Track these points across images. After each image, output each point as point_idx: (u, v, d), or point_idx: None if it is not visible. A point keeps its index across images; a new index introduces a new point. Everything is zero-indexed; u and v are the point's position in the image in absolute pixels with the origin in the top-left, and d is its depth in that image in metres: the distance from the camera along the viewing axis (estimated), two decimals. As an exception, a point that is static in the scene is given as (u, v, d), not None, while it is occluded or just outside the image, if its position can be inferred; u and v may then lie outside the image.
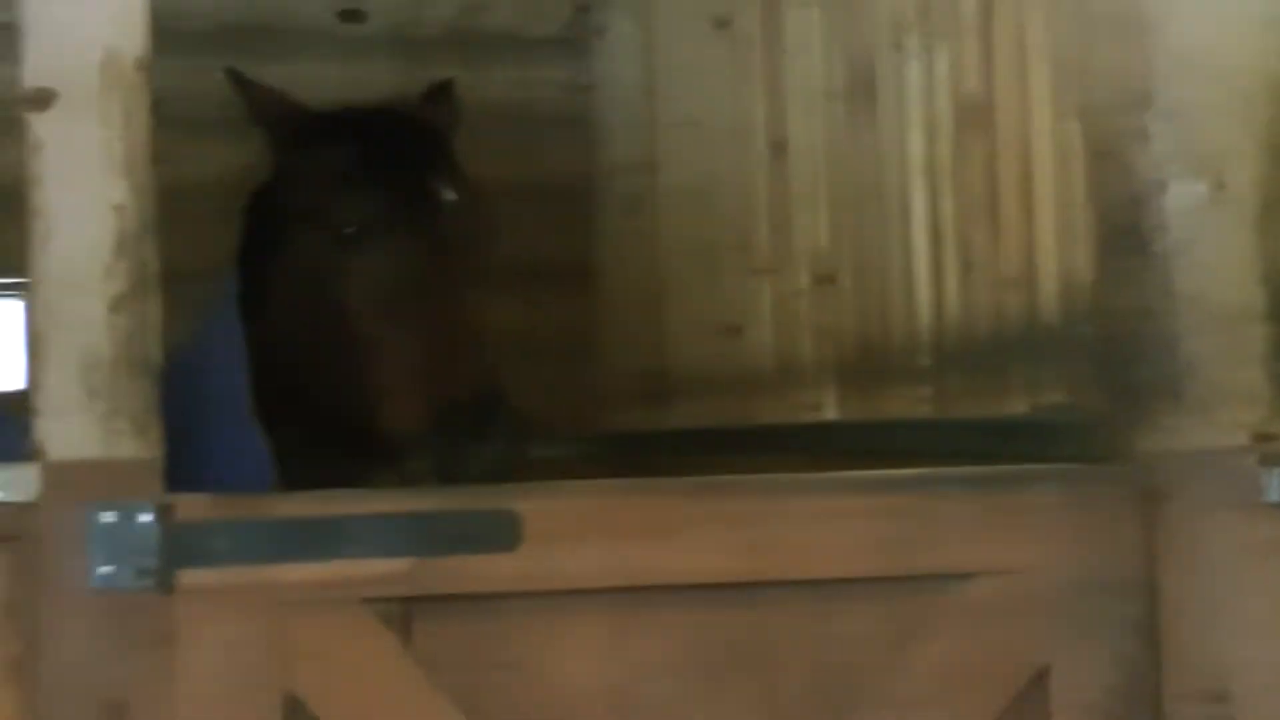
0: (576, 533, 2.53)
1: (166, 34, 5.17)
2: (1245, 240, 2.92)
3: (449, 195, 3.09)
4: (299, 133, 3.23)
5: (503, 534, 2.51)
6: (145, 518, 2.37)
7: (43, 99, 2.38)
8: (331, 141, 3.16)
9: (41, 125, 2.38)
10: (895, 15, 3.91)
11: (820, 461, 4.04)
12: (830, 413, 4.21)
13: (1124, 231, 2.97)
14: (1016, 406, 3.46)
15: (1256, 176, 2.91)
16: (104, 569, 2.36)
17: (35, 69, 2.39)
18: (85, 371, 2.36)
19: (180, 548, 2.39)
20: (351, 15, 5.61)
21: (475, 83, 5.62)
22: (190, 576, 2.40)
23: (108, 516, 2.36)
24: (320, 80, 5.54)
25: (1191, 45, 2.91)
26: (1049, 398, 3.39)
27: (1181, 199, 2.91)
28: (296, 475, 3.17)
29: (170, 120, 5.11)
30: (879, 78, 3.97)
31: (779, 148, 4.49)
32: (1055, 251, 3.39)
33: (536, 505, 2.54)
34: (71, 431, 2.37)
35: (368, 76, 5.57)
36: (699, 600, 2.60)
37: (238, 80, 3.28)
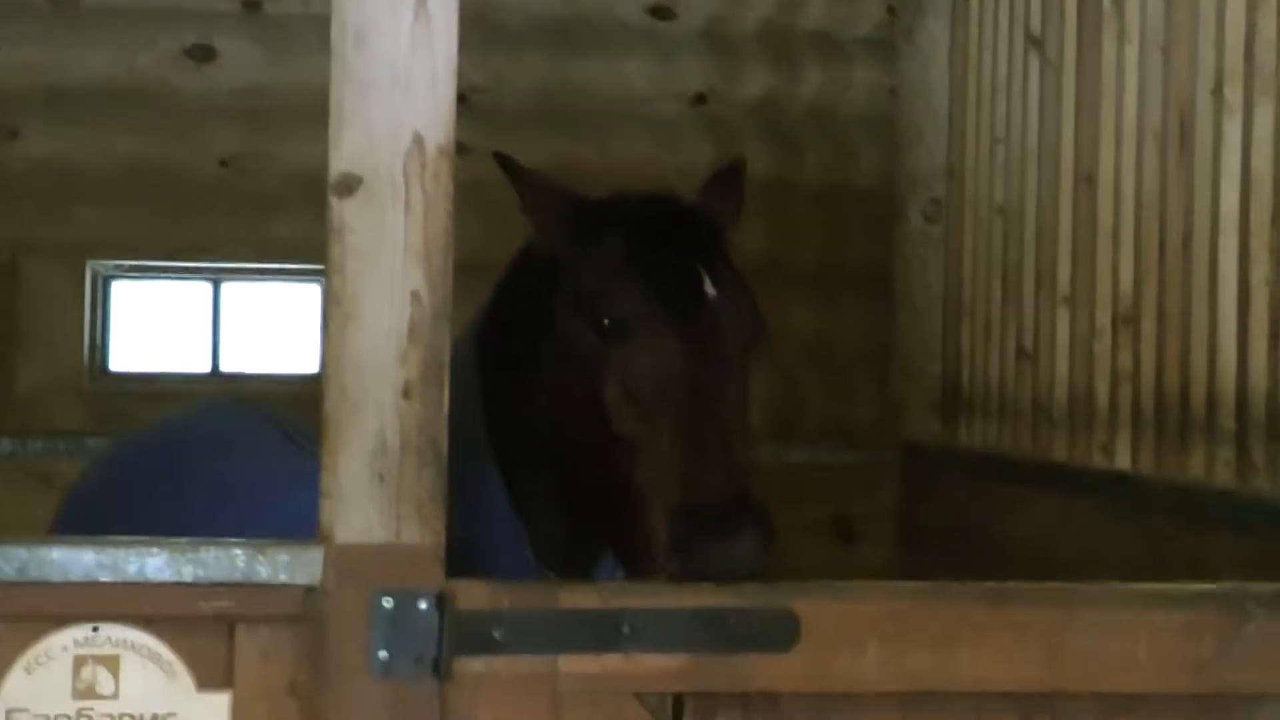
0: (857, 636, 2.50)
1: (482, 26, 5.34)
2: None
3: (712, 291, 3.03)
4: (568, 221, 3.21)
5: (781, 634, 2.49)
6: (425, 605, 2.39)
7: (348, 185, 2.40)
8: (599, 232, 3.14)
9: (345, 211, 2.40)
10: (1219, 64, 3.78)
11: (1117, 514, 3.96)
12: (1122, 457, 4.12)
13: None
14: (1322, 487, 3.35)
15: None
16: (383, 654, 2.38)
17: (342, 155, 2.40)
18: (375, 456, 2.39)
19: (459, 636, 2.40)
20: (661, 12, 5.61)
21: (786, 81, 5.64)
22: (467, 664, 2.41)
23: (388, 602, 2.38)
24: (632, 75, 5.61)
25: None
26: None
27: None
28: (544, 541, 3.19)
29: (482, 111, 5.30)
30: (1196, 124, 3.86)
31: (1088, 179, 4.39)
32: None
33: (816, 606, 2.51)
34: (358, 516, 2.39)
35: (678, 73, 5.61)
36: (989, 707, 2.55)
37: (507, 166, 3.25)
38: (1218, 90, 3.77)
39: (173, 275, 5.58)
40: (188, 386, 5.42)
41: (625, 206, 3.22)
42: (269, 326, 5.61)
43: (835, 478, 5.52)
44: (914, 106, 5.51)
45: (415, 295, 2.41)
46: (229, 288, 5.60)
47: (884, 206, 5.59)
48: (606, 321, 3.01)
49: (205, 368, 5.57)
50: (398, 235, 2.41)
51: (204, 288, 5.59)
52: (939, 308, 5.39)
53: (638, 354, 2.98)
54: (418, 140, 2.42)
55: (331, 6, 2.47)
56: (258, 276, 5.60)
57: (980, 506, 4.79)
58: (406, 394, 2.41)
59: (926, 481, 5.30)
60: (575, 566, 3.17)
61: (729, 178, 3.41)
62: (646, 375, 2.96)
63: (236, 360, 5.58)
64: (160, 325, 5.60)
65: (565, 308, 3.11)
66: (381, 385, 2.41)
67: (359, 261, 2.41)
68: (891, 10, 5.64)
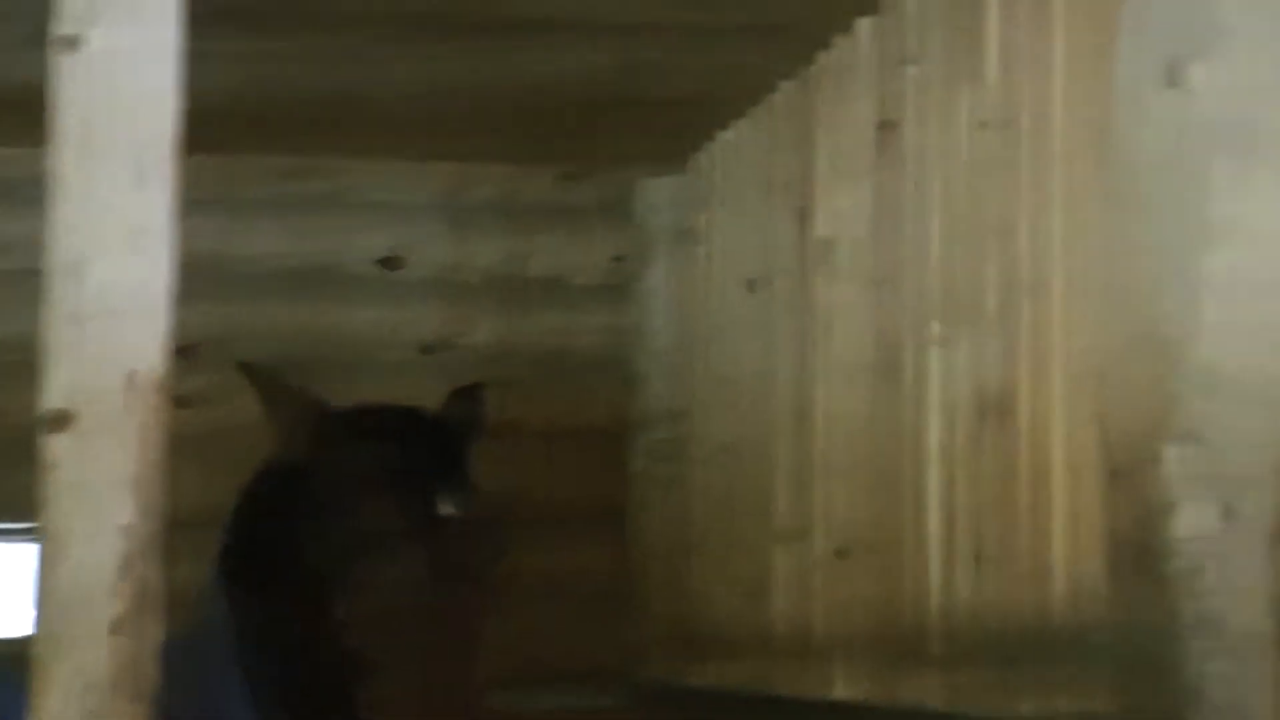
0: None
1: (218, 277, 5.37)
2: (1254, 566, 2.92)
3: (448, 510, 3.08)
4: (312, 432, 3.24)
5: None
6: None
7: (61, 421, 2.42)
8: (342, 444, 3.17)
9: (57, 446, 2.42)
10: (920, 298, 3.95)
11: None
12: (840, 688, 4.21)
13: (1135, 550, 2.97)
14: (1024, 707, 3.45)
15: (1267, 503, 2.92)
16: None
17: (55, 391, 2.43)
18: (82, 695, 2.38)
19: None
20: (391, 262, 5.71)
21: (516, 328, 5.74)
22: None
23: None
24: (363, 324, 5.68)
25: (1210, 369, 2.92)
26: (1058, 702, 3.38)
27: (1192, 523, 2.91)
28: None
29: (213, 362, 5.31)
30: (902, 359, 4.01)
31: (802, 415, 4.52)
32: (1067, 555, 3.39)
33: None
34: (67, 754, 2.38)
35: (407, 322, 5.69)
36: None
37: (250, 374, 3.29)
38: (921, 325, 3.93)
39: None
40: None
41: (369, 417, 3.26)
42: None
43: (572, 722, 5.53)
44: (642, 349, 5.64)
45: (127, 528, 2.43)
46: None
47: (615, 447, 5.69)
48: (345, 538, 3.03)
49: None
50: (110, 468, 2.44)
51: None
52: (669, 547, 5.47)
53: (375, 573, 3.01)
54: (131, 374, 2.46)
55: (46, 246, 2.51)
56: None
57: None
58: (116, 629, 2.41)
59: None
60: None
61: (469, 396, 3.47)
62: (382, 596, 2.99)
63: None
64: None
65: (307, 520, 3.13)
66: (90, 622, 2.41)
67: (71, 497, 2.42)
68: (618, 258, 5.79)
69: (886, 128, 4.21)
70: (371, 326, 5.70)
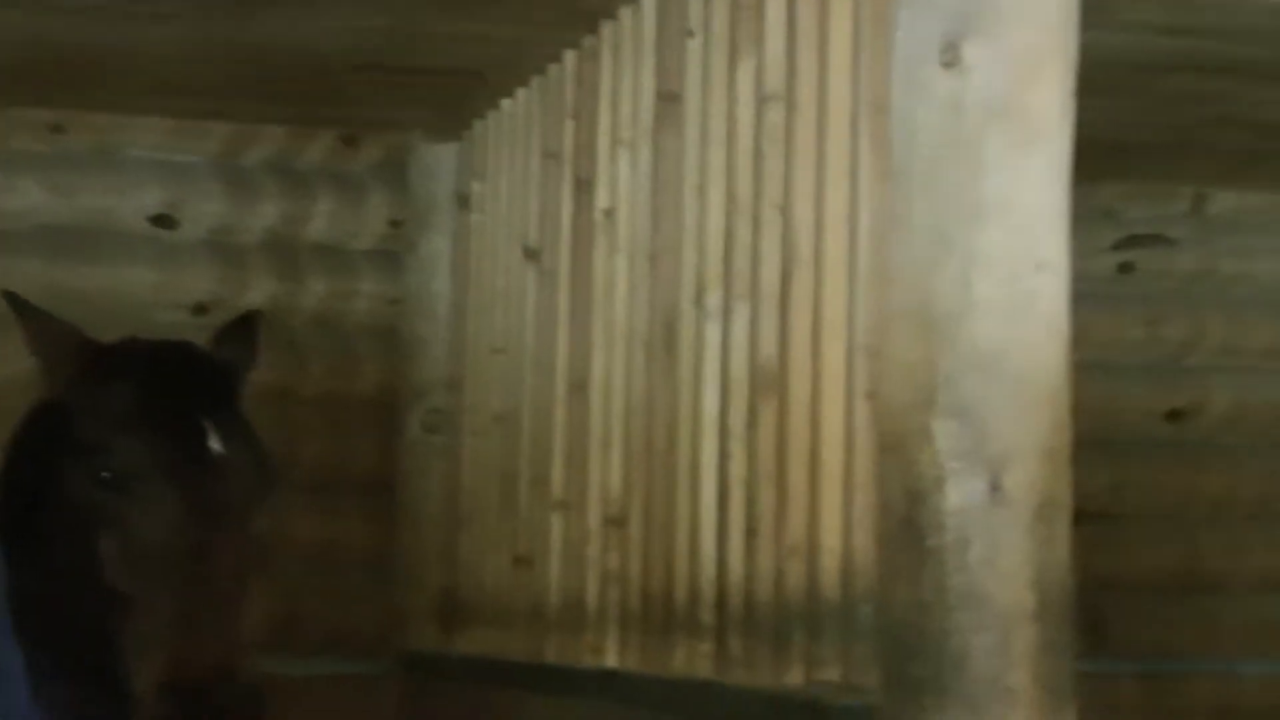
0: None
1: None
2: (1019, 541, 2.96)
3: (218, 447, 3.03)
4: (76, 367, 3.18)
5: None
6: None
7: None
8: (105, 380, 3.10)
9: None
10: (699, 271, 3.96)
11: (605, 711, 4.04)
12: (612, 657, 4.21)
13: (904, 524, 3.00)
14: (794, 677, 3.48)
15: (1032, 479, 2.96)
16: None
17: None
18: None
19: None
20: (164, 220, 5.62)
21: (290, 292, 5.67)
22: None
23: None
24: (134, 283, 5.58)
25: (980, 346, 2.95)
26: (826, 673, 3.41)
27: (959, 497, 2.95)
28: (53, 702, 3.10)
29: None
30: (680, 330, 4.02)
31: (579, 386, 4.52)
32: (838, 529, 3.43)
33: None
34: None
35: (180, 282, 5.60)
36: None
37: (16, 306, 3.22)
38: (699, 297, 3.93)
39: None
40: None
41: (136, 353, 3.20)
42: None
43: (333, 689, 5.49)
44: (416, 317, 5.60)
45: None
46: None
47: (386, 415, 5.65)
48: (106, 474, 2.97)
49: None
50: None
51: None
52: (440, 516, 5.45)
53: (134, 509, 2.95)
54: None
55: None
56: None
57: (478, 712, 4.82)
58: None
59: (425, 690, 5.31)
60: None
61: (244, 327, 3.42)
62: (141, 532, 2.94)
63: None
64: None
65: (70, 458, 3.07)
66: None
67: None
68: (395, 223, 5.74)
69: (667, 99, 4.22)
70: (143, 287, 5.59)
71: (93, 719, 3.07)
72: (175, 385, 3.12)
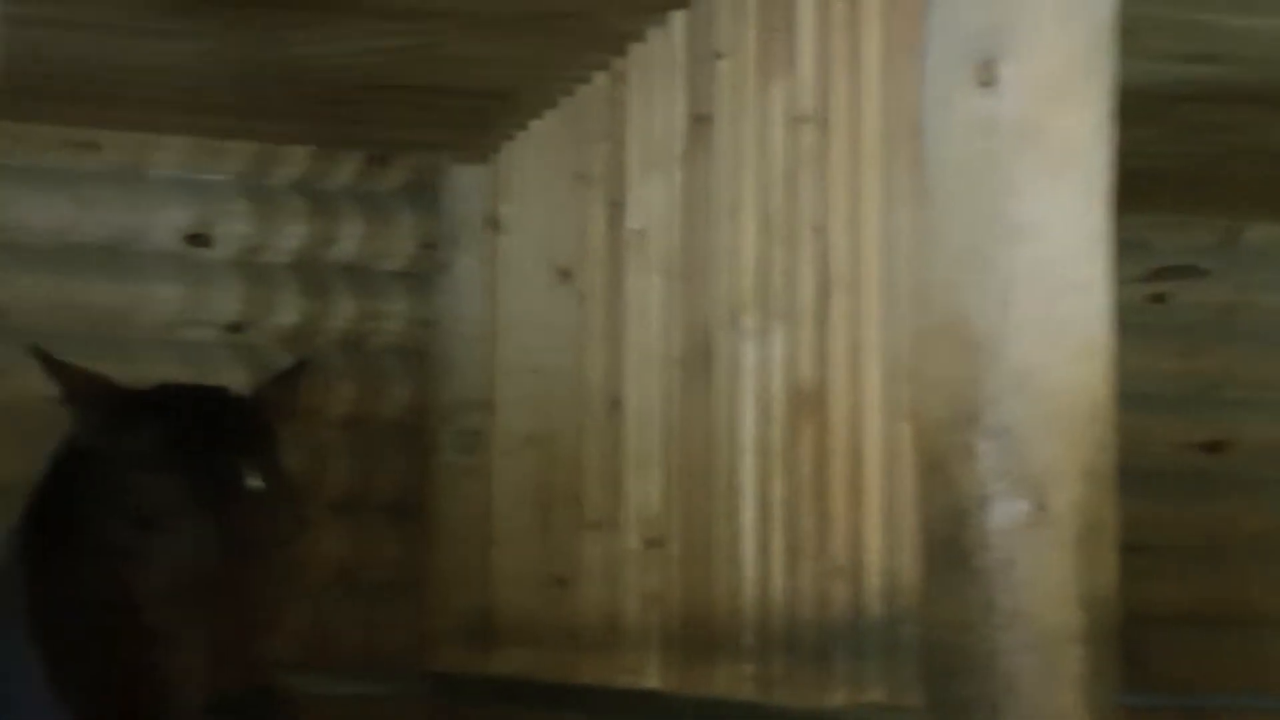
0: None
1: (11, 247, 5.28)
2: (1064, 561, 2.96)
3: (253, 484, 3.05)
4: (107, 413, 3.21)
5: None
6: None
7: None
8: (136, 422, 3.13)
9: None
10: (734, 292, 3.97)
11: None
12: (652, 678, 4.22)
13: (947, 544, 3.01)
14: (838, 698, 3.48)
15: (1076, 499, 2.97)
16: None
17: None
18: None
19: None
20: (197, 239, 5.63)
21: (319, 312, 5.68)
22: None
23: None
24: (164, 301, 5.59)
25: (1020, 366, 2.96)
26: (870, 695, 3.41)
27: (1004, 517, 2.96)
28: None
29: (10, 332, 5.21)
30: (715, 351, 4.03)
31: (615, 405, 4.53)
32: (881, 548, 3.43)
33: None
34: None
35: (211, 300, 5.61)
36: None
37: (46, 362, 3.25)
38: (734, 318, 3.94)
39: None
40: None
41: (165, 397, 3.22)
42: None
43: (364, 709, 5.49)
44: (447, 338, 5.61)
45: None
46: None
47: (415, 437, 5.65)
48: (138, 512, 3.00)
49: None
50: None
51: None
52: (471, 537, 5.46)
53: (165, 544, 2.98)
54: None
55: None
56: None
57: (510, 731, 4.84)
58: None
59: (454, 713, 5.31)
60: None
61: (290, 375, 3.44)
62: (172, 566, 2.96)
63: None
64: None
65: (103, 500, 3.09)
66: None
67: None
68: (427, 245, 5.75)
69: (699, 121, 4.23)
70: (172, 305, 5.60)
71: None
72: (207, 425, 3.15)
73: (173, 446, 3.11)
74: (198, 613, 2.92)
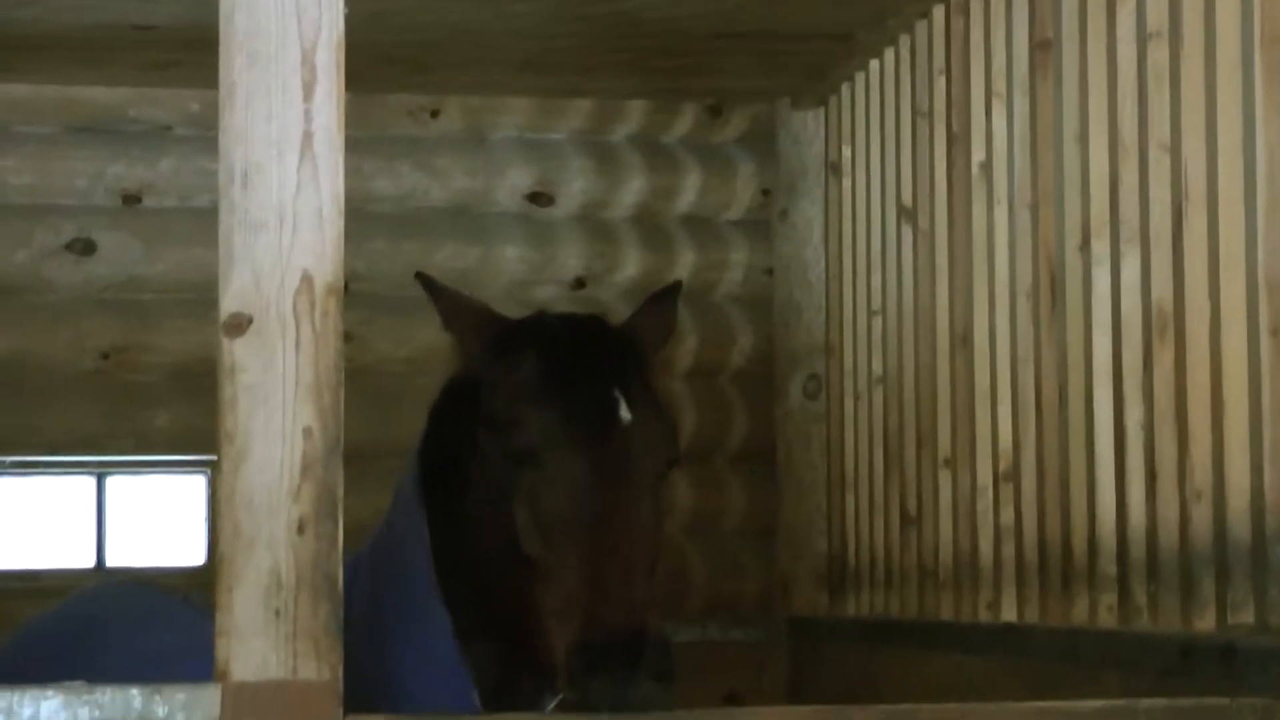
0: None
1: (360, 216, 5.39)
2: None
3: (626, 416, 3.04)
4: (487, 341, 3.22)
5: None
6: (320, 742, 2.38)
7: (238, 324, 2.42)
8: (516, 353, 3.14)
9: (235, 349, 2.42)
10: (1083, 218, 3.89)
11: (1005, 666, 3.99)
12: (1008, 612, 4.16)
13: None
14: (1205, 623, 3.39)
15: None
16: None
17: (231, 294, 2.43)
18: (269, 593, 2.39)
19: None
20: (540, 198, 5.70)
21: (662, 264, 5.71)
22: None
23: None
24: (511, 260, 5.67)
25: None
26: (1239, 617, 3.32)
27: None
28: (478, 660, 3.17)
29: (363, 299, 5.34)
30: (1065, 279, 3.95)
31: (963, 341, 4.47)
32: (1246, 468, 3.33)
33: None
34: (254, 653, 2.39)
35: (556, 258, 5.68)
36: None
37: (429, 286, 3.28)
38: (1085, 244, 3.87)
39: (55, 471, 5.54)
40: (71, 582, 5.35)
41: (545, 327, 3.24)
42: (153, 519, 5.57)
43: (723, 655, 5.52)
44: (790, 285, 5.60)
45: (307, 431, 2.43)
46: (113, 482, 5.56)
47: (763, 384, 5.66)
48: (517, 444, 3.01)
49: (89, 563, 5.51)
50: (288, 372, 2.44)
51: (87, 482, 5.55)
52: (822, 481, 5.45)
53: (545, 478, 2.99)
54: (306, 278, 2.46)
55: (219, 155, 2.51)
56: (141, 469, 5.57)
57: (870, 673, 4.81)
58: (300, 529, 2.42)
59: (815, 654, 5.31)
60: (519, 695, 3.13)
61: (662, 300, 3.44)
62: (552, 500, 2.97)
63: (121, 554, 5.53)
64: (42, 521, 5.54)
65: (483, 430, 3.12)
66: (275, 521, 2.41)
67: (250, 399, 2.43)
68: (765, 192, 5.75)
69: (1042, 46, 4.15)
70: (519, 263, 5.68)
71: (514, 675, 3.13)
72: (582, 356, 3.14)
73: (550, 379, 3.11)
74: (575, 549, 2.91)
